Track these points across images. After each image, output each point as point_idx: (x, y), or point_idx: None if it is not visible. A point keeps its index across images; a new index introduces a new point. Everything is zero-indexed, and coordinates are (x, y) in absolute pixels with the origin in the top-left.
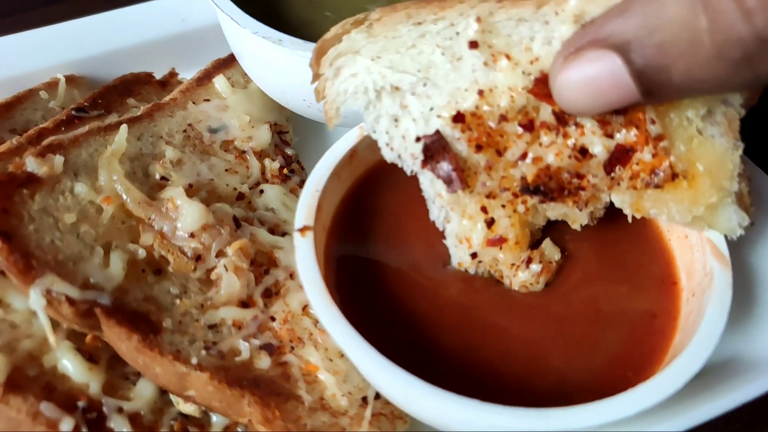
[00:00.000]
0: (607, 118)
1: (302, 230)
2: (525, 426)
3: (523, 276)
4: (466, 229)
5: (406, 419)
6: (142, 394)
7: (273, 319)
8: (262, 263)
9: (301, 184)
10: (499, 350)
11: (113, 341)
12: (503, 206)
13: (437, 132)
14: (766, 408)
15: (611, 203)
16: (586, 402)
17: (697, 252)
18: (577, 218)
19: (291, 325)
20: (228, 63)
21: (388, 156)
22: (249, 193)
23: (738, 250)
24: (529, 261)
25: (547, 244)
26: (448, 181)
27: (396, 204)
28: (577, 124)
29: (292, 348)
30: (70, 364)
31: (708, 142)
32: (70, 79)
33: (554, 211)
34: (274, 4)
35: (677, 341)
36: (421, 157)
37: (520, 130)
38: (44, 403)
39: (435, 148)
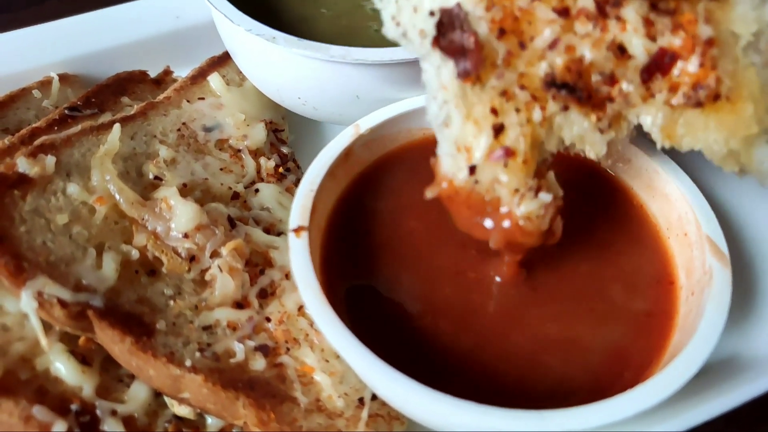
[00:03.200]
0: (653, 17)
1: (297, 230)
2: (523, 427)
3: (529, 206)
4: (468, 135)
5: (403, 420)
6: (136, 396)
7: (268, 320)
8: (257, 263)
9: (297, 182)
10: (496, 351)
11: (106, 343)
12: (517, 111)
13: (458, 5)
14: (767, 407)
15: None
16: (584, 403)
17: (696, 250)
18: (595, 144)
19: (286, 326)
20: (223, 61)
21: (391, 32)
22: (244, 193)
23: (737, 248)
24: (538, 189)
25: (551, 178)
26: (460, 53)
27: (392, 204)
28: (618, 18)
29: (288, 349)
30: (62, 367)
31: (752, 68)
32: (64, 78)
33: (571, 130)
34: (268, 2)
35: (676, 340)
36: (431, 34)
37: (552, 15)
38: (37, 407)
39: (451, 25)
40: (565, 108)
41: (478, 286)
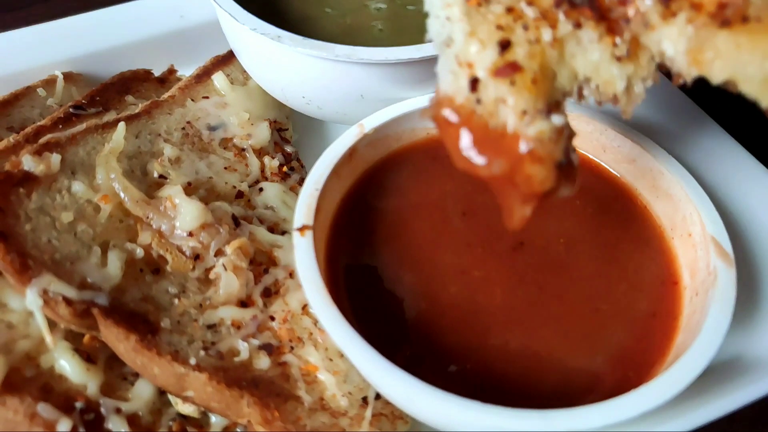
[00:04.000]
0: None
1: (301, 229)
2: (527, 427)
3: (540, 125)
4: (472, 51)
5: (407, 419)
6: (141, 394)
7: (272, 318)
8: (261, 262)
9: (301, 181)
10: (501, 350)
11: (111, 341)
12: (525, 28)
13: None
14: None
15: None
16: (588, 403)
17: (701, 251)
18: (613, 78)
19: (290, 325)
20: (227, 60)
21: None
22: (248, 192)
23: (742, 248)
24: (549, 110)
25: (565, 108)
26: None
27: (396, 203)
28: None
29: (292, 348)
30: (67, 365)
31: None
32: (68, 77)
33: (586, 59)
34: (272, 1)
35: (680, 341)
36: None
37: None
38: (41, 404)
39: None
40: (578, 25)
41: (483, 286)
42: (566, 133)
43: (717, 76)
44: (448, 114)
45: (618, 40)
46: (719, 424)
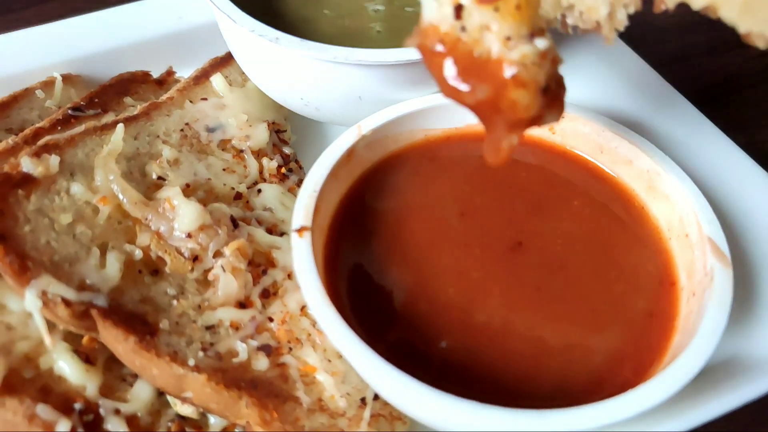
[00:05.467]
0: None
1: (299, 230)
2: (524, 427)
3: (523, 49)
4: None
5: (405, 420)
6: (140, 395)
7: (271, 319)
8: (259, 263)
9: (300, 183)
10: (499, 351)
11: (110, 343)
12: None
13: None
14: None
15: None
16: (585, 403)
17: (698, 251)
18: (596, 5)
19: (289, 326)
20: (225, 61)
21: None
22: (247, 193)
23: (739, 249)
24: (532, 36)
25: (549, 36)
26: None
27: (394, 204)
28: None
29: (290, 349)
30: (66, 366)
31: None
32: (67, 78)
33: None
34: (270, 3)
35: (677, 341)
36: None
37: None
38: (40, 405)
39: None
40: None
41: (481, 286)
42: (550, 57)
43: (698, 1)
44: (434, 43)
45: None
46: (716, 423)
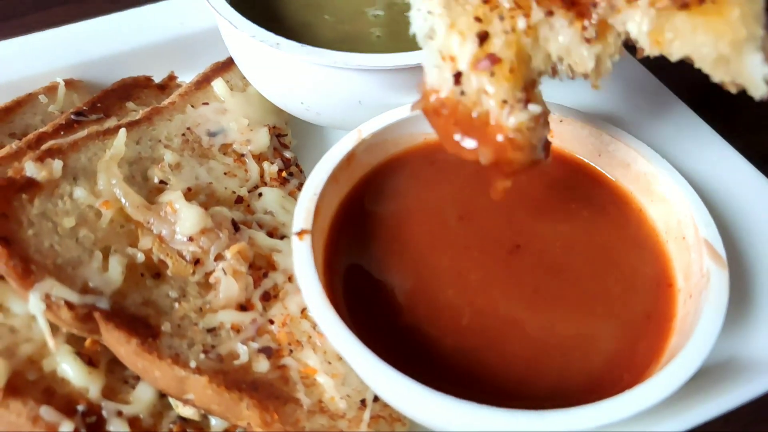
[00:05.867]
0: None
1: (300, 234)
2: (523, 427)
3: (519, 117)
4: (453, 44)
5: (405, 421)
6: (142, 397)
7: (271, 322)
8: (260, 266)
9: (300, 186)
10: (498, 352)
11: (112, 345)
12: (501, 18)
13: None
14: (766, 408)
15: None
16: (584, 404)
17: (694, 253)
18: (583, 57)
19: (289, 329)
20: (226, 66)
21: None
22: (248, 197)
23: (735, 251)
24: (527, 101)
25: (539, 94)
26: None
27: (394, 207)
28: None
29: (291, 351)
30: (69, 368)
31: None
32: (70, 83)
33: (557, 41)
34: (271, 8)
35: (674, 342)
36: None
37: None
38: (44, 407)
39: None
40: (550, 13)
41: (480, 288)
42: (542, 121)
43: (675, 54)
44: (436, 106)
45: (587, 23)
46: (713, 424)
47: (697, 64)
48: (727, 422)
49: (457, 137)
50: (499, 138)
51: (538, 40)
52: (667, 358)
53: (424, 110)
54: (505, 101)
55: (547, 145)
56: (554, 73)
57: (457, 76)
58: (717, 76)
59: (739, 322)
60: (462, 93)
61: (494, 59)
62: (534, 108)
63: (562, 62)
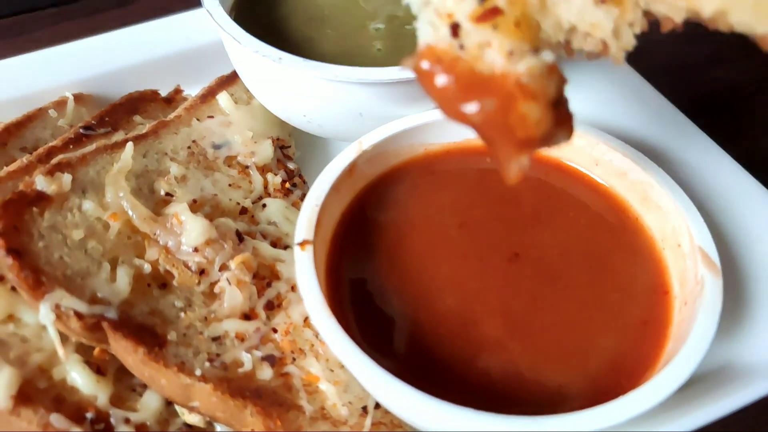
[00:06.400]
0: None
1: (302, 244)
2: None
3: (530, 61)
4: (450, 4)
5: (406, 429)
6: (149, 405)
7: (275, 331)
8: (264, 276)
9: (303, 197)
10: (497, 359)
11: (120, 354)
12: None
13: None
14: (760, 413)
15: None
16: (582, 409)
17: (689, 261)
18: (599, 23)
19: (293, 337)
20: (231, 80)
21: None
22: (252, 208)
23: (729, 258)
24: (536, 49)
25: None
26: None
27: (394, 217)
28: None
29: (294, 359)
30: (78, 377)
31: None
32: (78, 98)
33: (567, 3)
34: (274, 23)
35: (670, 348)
36: None
37: None
38: (54, 415)
39: None
40: None
41: (479, 296)
42: (558, 73)
43: (707, 7)
44: (431, 62)
45: None
46: (712, 428)
47: (734, 17)
48: (727, 425)
49: (455, 94)
50: (507, 85)
51: (546, 4)
52: (664, 364)
53: (415, 69)
54: (511, 52)
55: (567, 114)
56: (569, 52)
57: (455, 28)
58: (760, 24)
59: (735, 328)
60: (461, 47)
61: (496, 11)
62: (547, 55)
63: (575, 32)
